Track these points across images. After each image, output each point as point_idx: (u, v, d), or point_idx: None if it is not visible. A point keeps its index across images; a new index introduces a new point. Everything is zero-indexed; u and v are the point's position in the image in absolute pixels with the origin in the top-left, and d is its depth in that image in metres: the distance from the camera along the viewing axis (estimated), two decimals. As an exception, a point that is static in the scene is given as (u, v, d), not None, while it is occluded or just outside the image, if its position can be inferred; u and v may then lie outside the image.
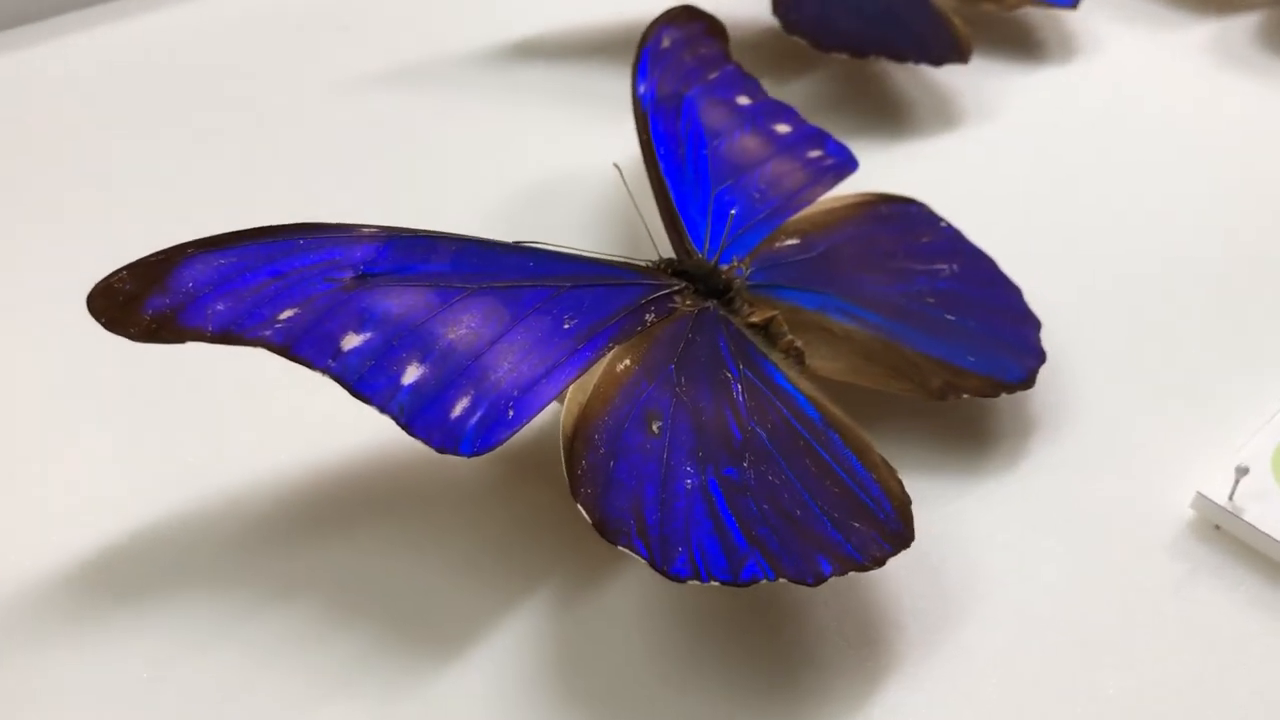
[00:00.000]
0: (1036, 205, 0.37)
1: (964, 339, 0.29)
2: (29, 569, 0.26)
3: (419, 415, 0.24)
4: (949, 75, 0.41)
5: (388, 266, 0.25)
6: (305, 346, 0.24)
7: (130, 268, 0.24)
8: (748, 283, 0.29)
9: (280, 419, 0.29)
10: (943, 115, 0.40)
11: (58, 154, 0.37)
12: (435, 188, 0.36)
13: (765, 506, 0.24)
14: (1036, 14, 0.45)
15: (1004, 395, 0.29)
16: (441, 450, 0.24)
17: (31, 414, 0.29)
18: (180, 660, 0.24)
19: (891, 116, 0.40)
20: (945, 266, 0.31)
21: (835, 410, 0.26)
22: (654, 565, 0.22)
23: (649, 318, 0.27)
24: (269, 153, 0.37)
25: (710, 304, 0.28)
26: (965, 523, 0.27)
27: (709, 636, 0.25)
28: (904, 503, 0.25)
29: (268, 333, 0.24)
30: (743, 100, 0.34)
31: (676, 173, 0.31)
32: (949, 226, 0.32)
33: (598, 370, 0.25)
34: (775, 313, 0.28)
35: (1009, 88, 0.41)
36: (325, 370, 0.24)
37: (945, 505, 0.28)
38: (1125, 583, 0.26)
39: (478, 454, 0.24)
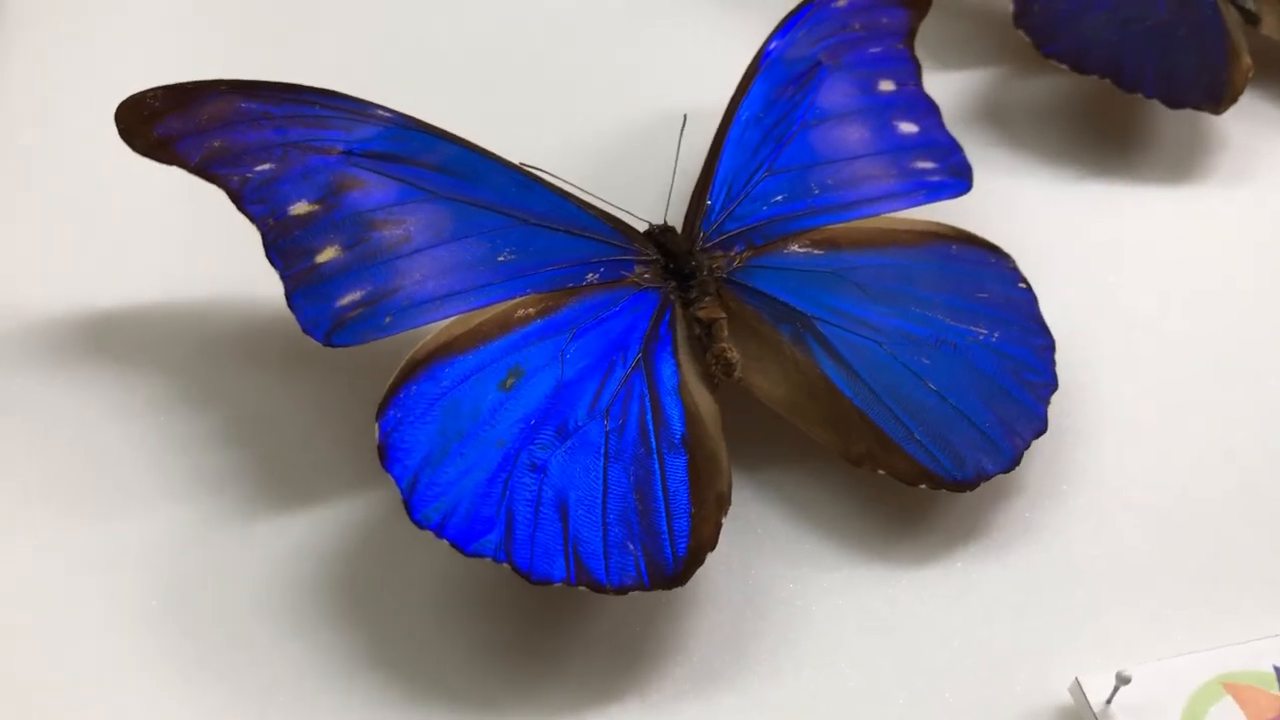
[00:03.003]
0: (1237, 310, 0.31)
1: (923, 415, 0.26)
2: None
3: (306, 291, 0.26)
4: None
5: (378, 149, 0.27)
6: (255, 201, 0.26)
7: (165, 89, 0.27)
8: (733, 277, 0.28)
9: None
10: (1172, 159, 0.34)
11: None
12: (539, 96, 0.36)
13: (547, 493, 0.24)
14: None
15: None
16: (304, 329, 0.26)
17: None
18: None
19: (1103, 147, 0.35)
20: (984, 331, 0.28)
21: (709, 436, 0.26)
22: (403, 498, 0.23)
23: (591, 277, 0.27)
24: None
25: (670, 285, 0.28)
26: (822, 589, 0.26)
27: (500, 602, 0.25)
28: (701, 549, 0.24)
29: (235, 179, 0.26)
30: (885, 86, 0.31)
31: (747, 141, 0.30)
32: (1025, 291, 0.29)
33: (492, 310, 0.26)
34: (722, 316, 0.27)
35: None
36: (258, 224, 0.26)
37: (826, 571, 0.26)
38: None
39: (331, 345, 0.26)
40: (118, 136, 0.27)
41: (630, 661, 0.25)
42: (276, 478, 0.27)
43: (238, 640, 0.25)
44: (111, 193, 0.32)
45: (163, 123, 0.27)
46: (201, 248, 0.30)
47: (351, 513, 0.26)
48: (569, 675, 0.24)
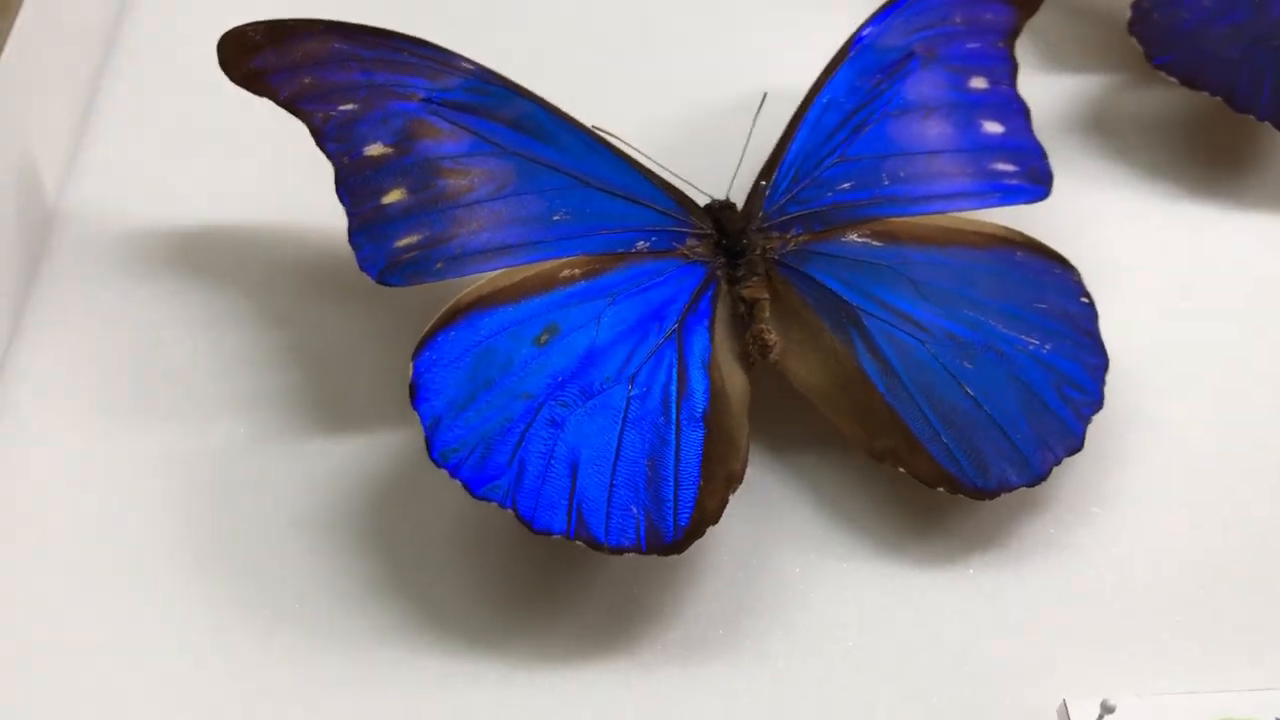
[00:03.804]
0: None
1: (954, 419, 0.26)
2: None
3: (368, 229, 0.27)
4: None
5: (457, 99, 0.28)
6: (334, 138, 0.28)
7: (266, 24, 0.28)
8: (785, 260, 0.28)
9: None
10: (1273, 189, 0.33)
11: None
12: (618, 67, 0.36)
13: (561, 449, 0.25)
14: None
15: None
16: (360, 265, 0.27)
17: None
18: None
19: (1202, 168, 0.33)
20: (1035, 342, 0.27)
21: (731, 414, 0.26)
22: (425, 433, 0.25)
23: (641, 245, 0.28)
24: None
25: (718, 261, 0.28)
26: (827, 577, 0.26)
27: (512, 547, 0.26)
28: (704, 522, 0.25)
29: (319, 116, 0.28)
30: (977, 83, 0.31)
31: (823, 125, 0.30)
32: (1087, 306, 0.28)
33: (539, 267, 0.27)
34: (765, 297, 0.27)
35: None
36: (333, 160, 0.27)
37: (835, 560, 0.26)
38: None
39: (384, 283, 0.27)
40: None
41: (627, 620, 0.25)
42: (327, 403, 0.29)
43: (268, 550, 0.26)
44: (212, 119, 0.34)
45: (260, 56, 0.28)
46: (287, 179, 0.32)
47: (389, 444, 0.28)
48: (565, 624, 0.25)
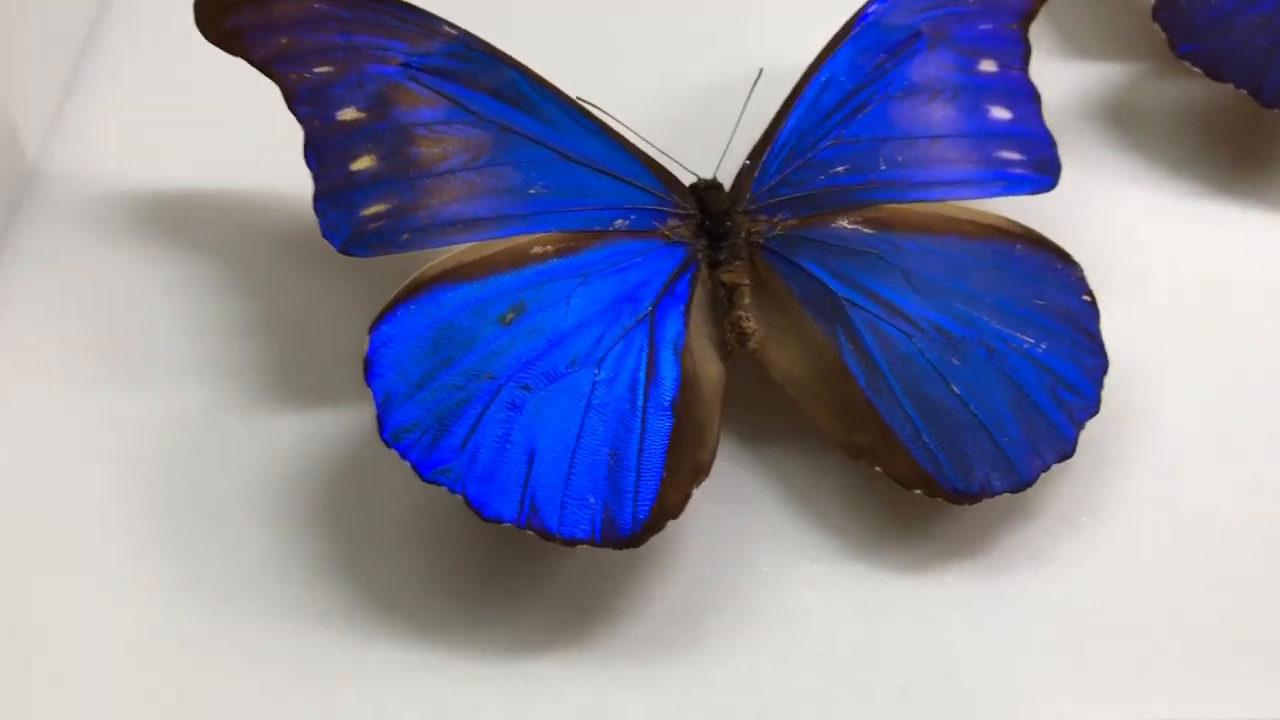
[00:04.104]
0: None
1: (937, 417, 0.25)
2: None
3: (334, 196, 0.26)
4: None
5: (437, 64, 0.27)
6: (306, 101, 0.27)
7: None
8: (770, 244, 0.27)
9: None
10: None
11: None
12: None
13: (519, 434, 0.24)
14: None
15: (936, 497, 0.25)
16: (323, 233, 0.26)
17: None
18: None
19: (1224, 165, 0.31)
20: (1030, 340, 0.26)
21: (702, 403, 0.25)
22: (377, 411, 0.24)
23: (619, 223, 0.26)
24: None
25: (700, 243, 0.27)
26: (799, 578, 0.25)
27: (469, 532, 0.25)
28: (664, 515, 0.23)
29: (293, 78, 0.27)
30: (986, 65, 0.29)
31: (821, 104, 0.28)
32: (1089, 304, 0.27)
33: (509, 242, 0.26)
34: (745, 282, 0.26)
35: None
36: (304, 124, 0.26)
37: (807, 560, 0.25)
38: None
39: (347, 253, 0.26)
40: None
41: (584, 612, 0.24)
42: (291, 374, 0.28)
43: (217, 521, 0.25)
44: (206, 84, 0.32)
45: (237, 15, 0.27)
46: (274, 147, 0.30)
47: (352, 419, 0.27)
48: (520, 616, 0.24)
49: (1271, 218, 0.31)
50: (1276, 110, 0.30)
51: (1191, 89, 0.32)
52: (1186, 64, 0.31)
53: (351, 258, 0.26)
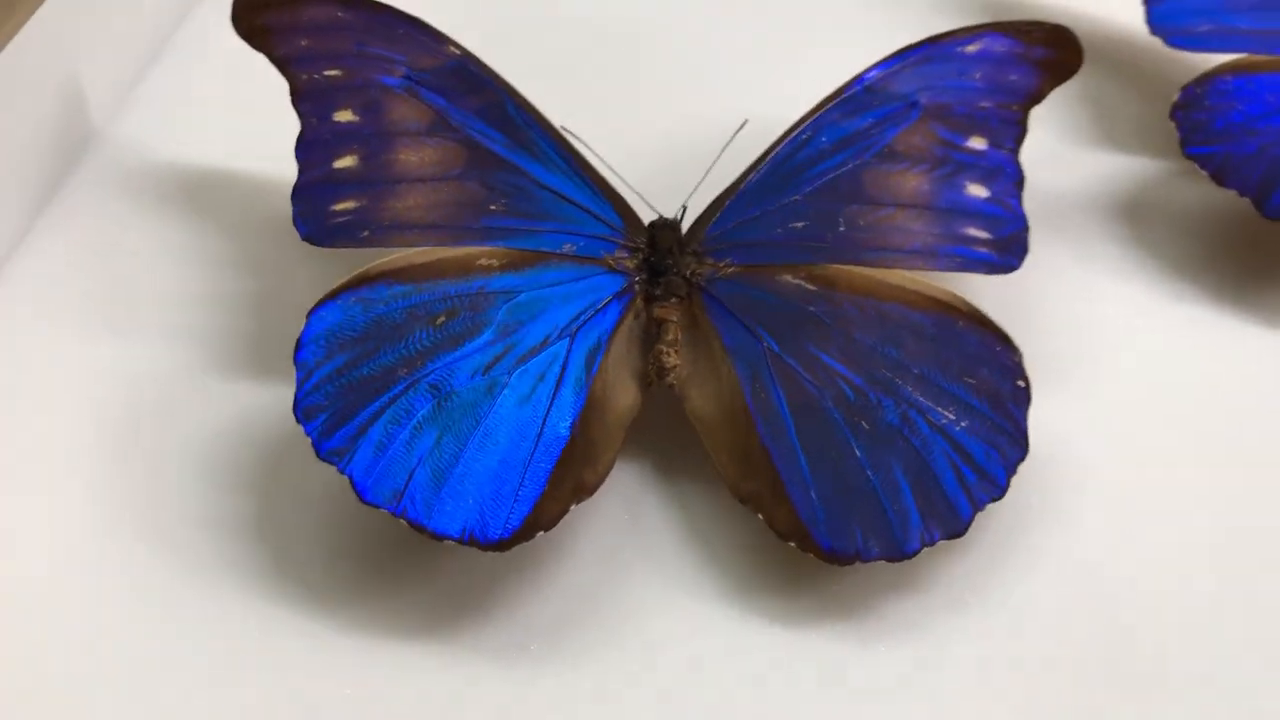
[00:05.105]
0: None
1: (830, 478, 0.25)
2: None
3: (312, 188, 0.28)
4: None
5: (433, 80, 0.29)
6: (310, 99, 0.29)
7: None
8: (710, 288, 0.27)
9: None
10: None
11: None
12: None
13: (413, 428, 0.25)
14: None
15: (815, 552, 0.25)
16: (293, 221, 0.28)
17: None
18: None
19: (1222, 274, 0.31)
20: (951, 417, 0.26)
21: (602, 427, 0.26)
22: (295, 404, 0.25)
23: (567, 247, 0.28)
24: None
25: (641, 276, 0.28)
26: (684, 615, 0.25)
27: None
28: (535, 526, 0.24)
29: (304, 77, 0.29)
30: (975, 143, 0.29)
31: (796, 160, 0.29)
32: (1021, 390, 0.26)
33: (460, 252, 0.27)
34: (673, 320, 0.27)
35: None
36: (302, 120, 0.29)
37: (693, 599, 0.26)
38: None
39: (309, 242, 0.28)
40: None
41: (458, 608, 0.25)
42: (257, 347, 0.30)
43: (155, 470, 0.27)
44: (268, 76, 0.36)
45: (268, 14, 0.29)
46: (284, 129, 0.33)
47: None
48: (398, 597, 0.26)
49: (1259, 331, 0.30)
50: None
51: (1203, 193, 0.32)
52: (1197, 166, 0.30)
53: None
